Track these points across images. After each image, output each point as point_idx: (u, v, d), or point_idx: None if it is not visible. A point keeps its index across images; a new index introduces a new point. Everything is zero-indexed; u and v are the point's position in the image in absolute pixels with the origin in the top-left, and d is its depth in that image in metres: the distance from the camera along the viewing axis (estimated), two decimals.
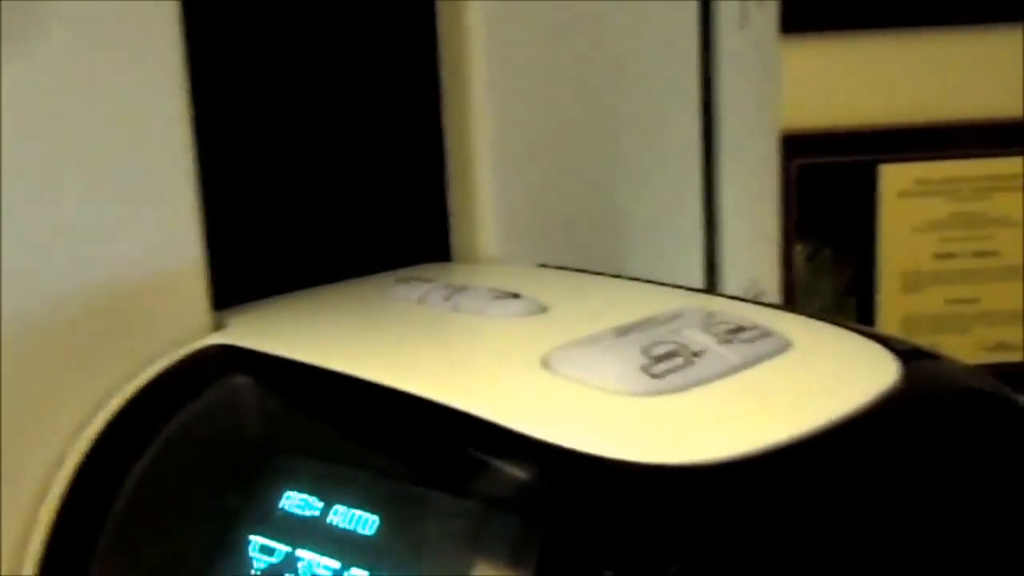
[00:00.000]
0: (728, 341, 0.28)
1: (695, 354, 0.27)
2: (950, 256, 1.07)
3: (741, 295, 0.46)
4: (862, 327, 0.31)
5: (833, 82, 1.04)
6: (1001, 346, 1.05)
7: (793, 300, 1.04)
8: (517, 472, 0.25)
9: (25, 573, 0.28)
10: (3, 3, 0.27)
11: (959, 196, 1.05)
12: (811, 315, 0.32)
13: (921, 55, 1.02)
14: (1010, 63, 1.01)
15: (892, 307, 1.07)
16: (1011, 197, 1.06)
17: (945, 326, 1.06)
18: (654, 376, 0.26)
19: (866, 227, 1.07)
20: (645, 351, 0.27)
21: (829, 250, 1.08)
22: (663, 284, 0.34)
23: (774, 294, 0.49)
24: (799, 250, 1.07)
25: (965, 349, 1.05)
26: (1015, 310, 1.06)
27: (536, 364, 0.27)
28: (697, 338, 0.28)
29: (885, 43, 1.03)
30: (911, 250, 1.07)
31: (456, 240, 0.38)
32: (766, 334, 0.29)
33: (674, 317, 0.29)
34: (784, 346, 0.29)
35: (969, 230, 1.06)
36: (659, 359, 0.27)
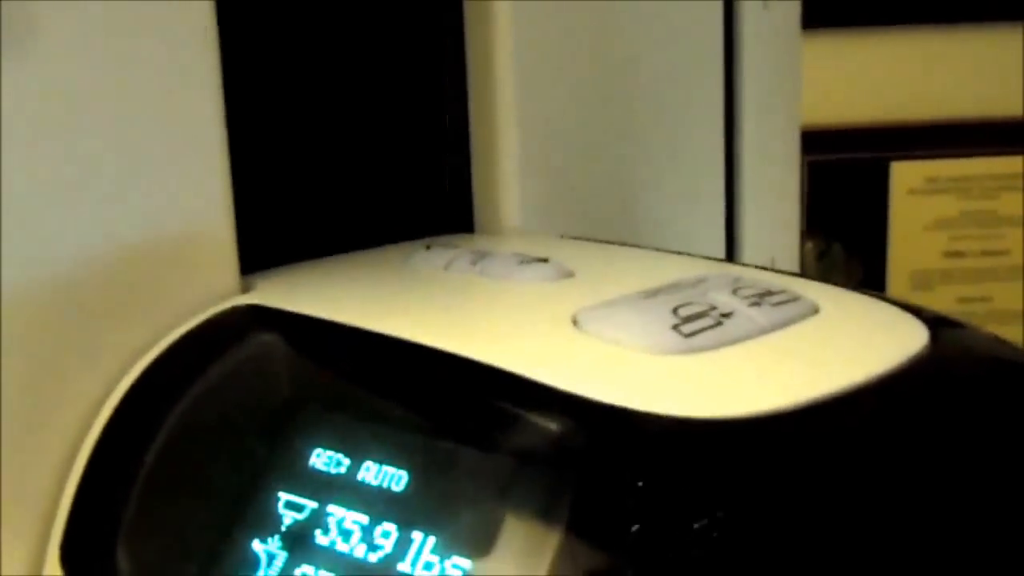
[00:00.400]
0: (756, 304, 0.28)
1: (724, 315, 0.27)
2: (960, 255, 1.06)
3: None
4: (890, 296, 0.31)
5: (844, 79, 1.04)
6: None
7: None
8: (547, 426, 0.25)
9: (57, 526, 0.28)
10: None
11: (969, 194, 1.05)
12: (837, 284, 0.32)
13: (933, 52, 1.02)
14: (1021, 61, 1.01)
15: None
16: (1021, 196, 1.05)
17: None
18: (685, 335, 0.26)
19: (876, 225, 1.07)
20: (674, 311, 0.27)
21: (839, 247, 1.08)
22: (688, 254, 0.34)
23: None
24: (809, 247, 1.07)
25: None
26: None
27: (566, 323, 0.27)
28: (726, 300, 0.28)
29: (897, 40, 1.03)
30: (921, 248, 1.07)
31: (479, 212, 0.38)
32: (794, 298, 0.29)
33: (701, 280, 0.29)
34: (812, 310, 0.28)
35: (979, 229, 1.06)
36: (688, 319, 0.27)
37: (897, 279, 1.07)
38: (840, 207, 1.05)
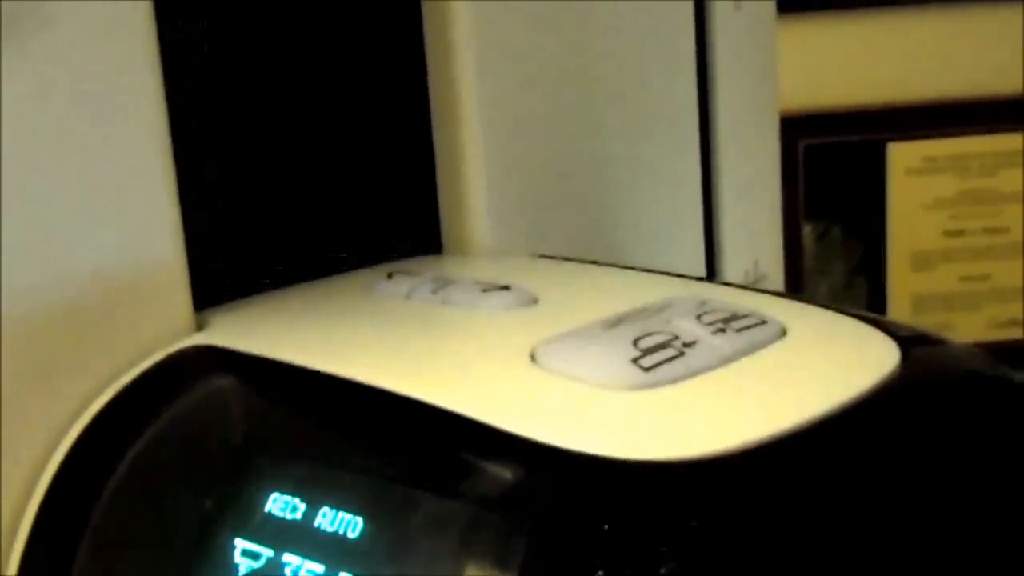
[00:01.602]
0: (721, 330, 0.27)
1: (686, 344, 0.27)
2: (959, 233, 1.06)
3: (743, 279, 0.46)
4: (861, 312, 0.30)
5: (839, 60, 1.03)
6: (1013, 322, 1.05)
7: (802, 281, 1.04)
8: (504, 471, 0.24)
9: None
10: None
11: (968, 173, 1.05)
12: (808, 301, 0.31)
13: (928, 31, 1.01)
14: (1017, 38, 1.00)
15: (902, 286, 1.07)
16: (1020, 173, 1.05)
17: (956, 304, 1.06)
18: (644, 369, 0.26)
19: (875, 206, 1.06)
20: (635, 343, 0.26)
21: (838, 230, 1.07)
22: (657, 272, 0.34)
23: (778, 276, 0.49)
24: (808, 230, 1.06)
25: (976, 326, 1.05)
26: None
27: (524, 359, 0.27)
28: (689, 328, 0.27)
29: (891, 20, 1.02)
30: (920, 228, 1.06)
31: (448, 232, 0.37)
32: (760, 322, 0.28)
33: (665, 307, 0.28)
34: (779, 334, 0.28)
35: (978, 207, 1.05)
36: (649, 351, 0.26)
37: (897, 259, 1.07)
38: (838, 189, 1.05)
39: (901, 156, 1.04)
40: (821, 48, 1.01)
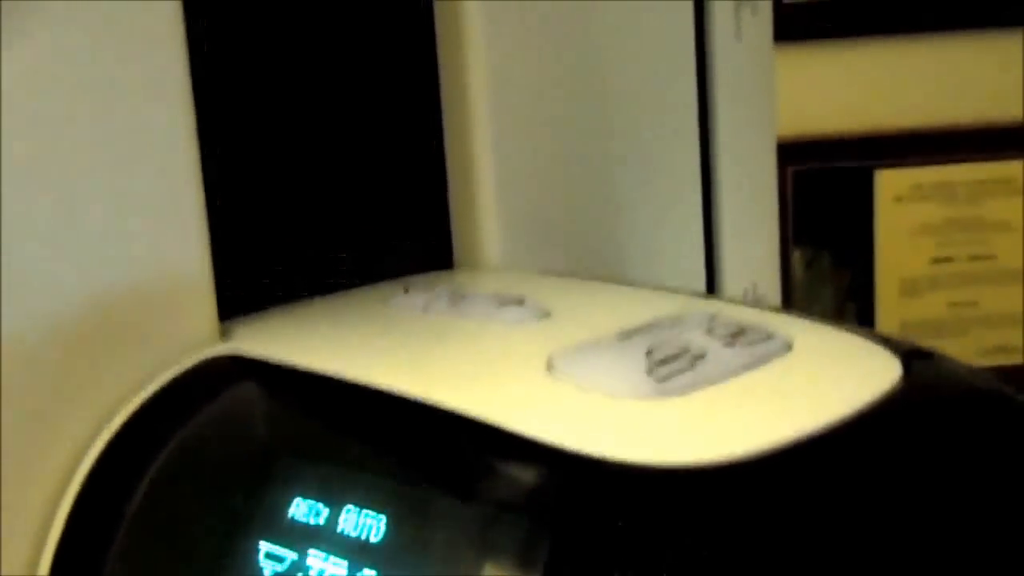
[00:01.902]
0: (730, 344, 0.28)
1: (698, 357, 0.27)
2: (947, 260, 1.07)
3: (741, 298, 0.47)
4: (863, 329, 0.31)
5: (828, 88, 1.04)
6: (1000, 349, 1.06)
7: (792, 307, 1.04)
8: (523, 476, 0.25)
9: None
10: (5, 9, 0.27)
11: (955, 200, 1.06)
12: (812, 317, 0.32)
13: (915, 60, 1.03)
14: (1004, 67, 1.01)
15: (891, 312, 1.08)
16: (1006, 201, 1.06)
17: (944, 330, 1.07)
18: (658, 379, 0.26)
19: (863, 233, 1.08)
20: (648, 354, 0.27)
21: (827, 256, 1.08)
22: (665, 289, 0.35)
23: (775, 299, 0.50)
24: (797, 257, 1.07)
25: (964, 352, 1.06)
26: (1013, 313, 1.06)
27: (541, 369, 0.28)
28: (700, 341, 0.28)
29: (879, 49, 1.03)
30: (908, 255, 1.07)
31: (459, 247, 0.38)
32: (768, 336, 0.29)
33: (677, 321, 0.29)
34: (786, 348, 0.29)
35: (965, 234, 1.06)
36: (662, 362, 0.27)
37: (885, 286, 1.08)
38: (827, 216, 1.06)
39: (889, 183, 1.05)
40: (810, 76, 1.02)
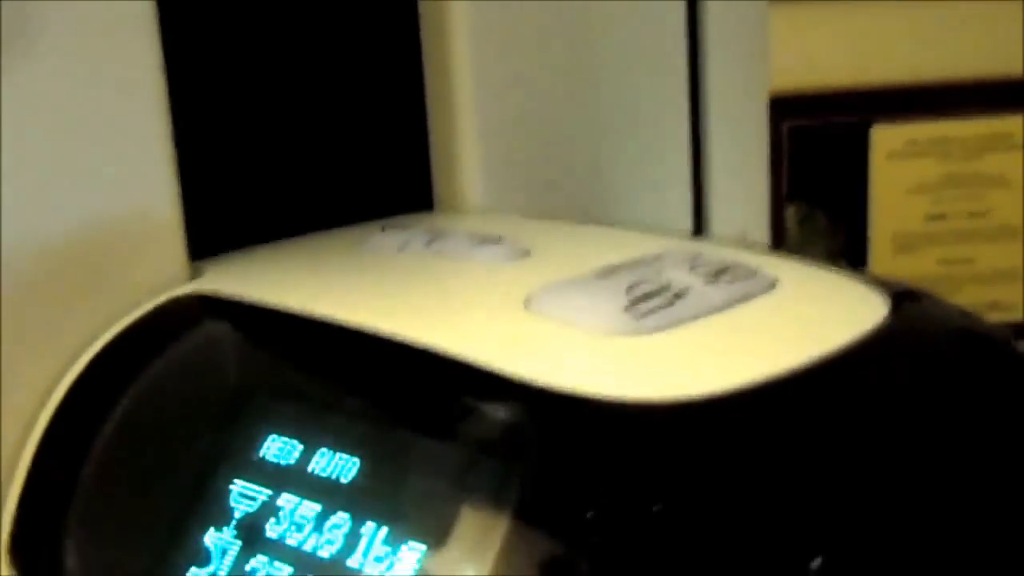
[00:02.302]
0: (712, 281, 0.28)
1: (678, 294, 0.27)
2: (942, 217, 1.06)
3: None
4: (852, 269, 0.31)
5: (823, 43, 1.03)
6: (995, 306, 1.05)
7: None
8: (498, 413, 0.24)
9: (4, 523, 0.28)
10: None
11: (951, 156, 1.05)
12: (799, 258, 0.31)
13: (913, 14, 1.02)
14: (1002, 22, 1.00)
15: (884, 269, 1.07)
16: (1003, 157, 1.05)
17: (938, 287, 1.06)
18: (636, 316, 0.26)
19: (858, 189, 1.07)
20: (627, 291, 0.27)
21: (821, 213, 1.07)
22: (649, 231, 0.34)
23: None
24: (791, 213, 1.07)
25: None
26: (1008, 269, 1.06)
27: (519, 306, 0.27)
28: (680, 278, 0.27)
29: (876, 3, 1.02)
30: (903, 211, 1.07)
31: (439, 190, 0.37)
32: (751, 274, 0.28)
33: (657, 258, 0.29)
34: (769, 286, 0.28)
35: (961, 190, 1.05)
36: (641, 299, 0.26)
37: (880, 243, 1.07)
38: (821, 172, 1.05)
39: (884, 139, 1.05)
40: (806, 30, 1.01)
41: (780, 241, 1.03)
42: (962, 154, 1.03)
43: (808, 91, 1.01)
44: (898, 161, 1.04)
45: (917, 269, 1.07)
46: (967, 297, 1.04)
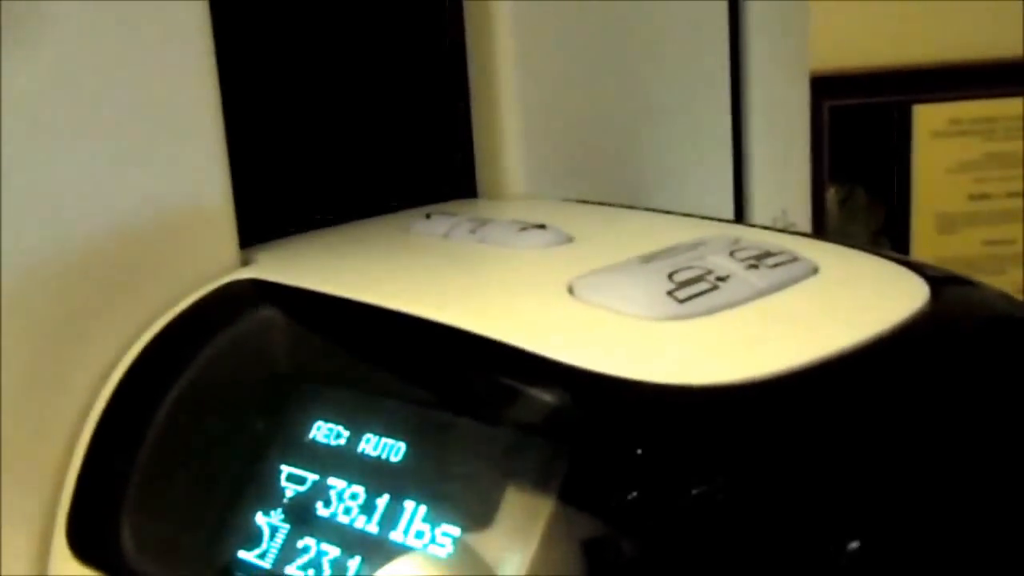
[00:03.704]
0: (754, 266, 0.28)
1: (720, 279, 0.27)
2: (985, 197, 1.05)
3: (771, 225, 0.46)
4: (893, 254, 0.31)
5: (865, 22, 1.02)
6: None
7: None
8: (544, 397, 0.25)
9: (63, 501, 0.29)
10: None
11: (994, 136, 1.04)
12: (840, 242, 0.31)
13: None
14: None
15: (926, 249, 1.06)
16: None
17: (980, 267, 1.05)
18: (679, 301, 0.26)
19: (900, 169, 1.06)
20: (670, 277, 0.27)
21: (862, 193, 1.07)
22: (690, 215, 0.34)
23: (805, 226, 0.49)
24: (832, 193, 1.06)
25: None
26: None
27: (562, 292, 0.27)
28: (722, 263, 0.28)
29: None
30: (945, 191, 1.06)
31: (482, 177, 0.38)
32: (792, 259, 0.28)
33: (699, 244, 0.29)
34: (811, 271, 0.28)
35: (1004, 170, 1.05)
36: (684, 284, 0.27)
37: (921, 223, 1.06)
38: (863, 152, 1.04)
39: (926, 118, 1.04)
40: (847, 9, 1.00)
41: (821, 222, 1.02)
42: (1005, 133, 1.02)
43: (849, 71, 1.00)
44: (940, 140, 1.03)
45: (959, 249, 1.06)
46: (1010, 277, 1.04)
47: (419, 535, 0.24)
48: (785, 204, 0.47)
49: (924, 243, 1.05)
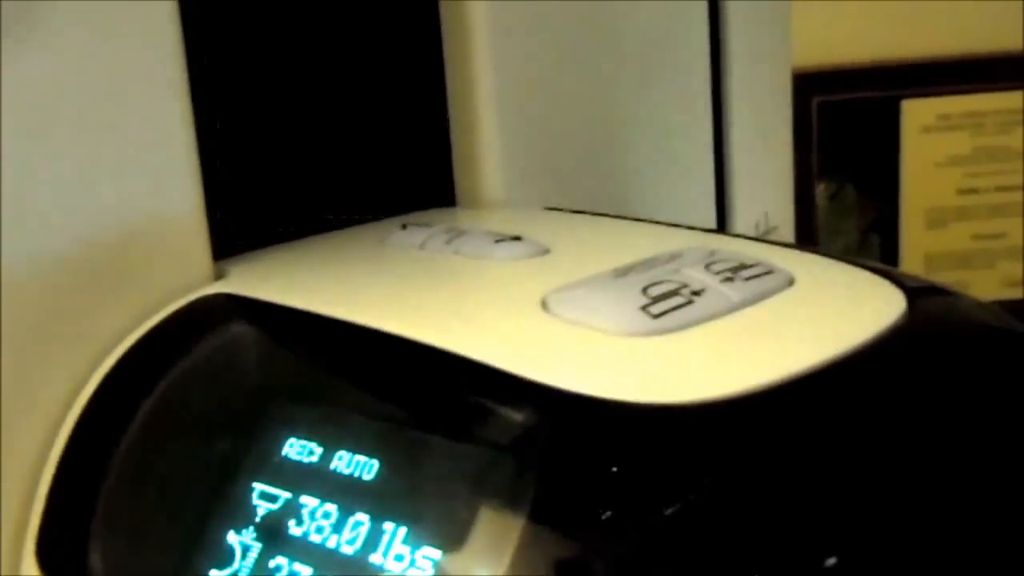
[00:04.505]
0: (729, 279, 0.28)
1: (695, 293, 0.27)
2: (973, 191, 1.05)
3: (753, 230, 0.46)
4: (871, 263, 0.30)
5: (853, 17, 1.02)
6: None
7: (815, 240, 1.04)
8: (516, 415, 0.25)
9: (32, 524, 0.28)
10: None
11: (983, 130, 1.04)
12: (818, 252, 0.31)
13: None
14: None
15: (916, 244, 1.07)
16: None
17: (970, 262, 1.06)
18: (653, 316, 0.26)
19: (889, 164, 1.06)
20: (644, 291, 0.27)
21: (852, 188, 1.07)
22: (668, 224, 0.34)
23: (788, 228, 0.49)
24: (821, 189, 1.06)
25: (991, 285, 1.04)
26: None
27: (535, 307, 0.27)
28: (698, 277, 0.28)
29: None
30: (934, 186, 1.06)
31: (460, 184, 0.38)
32: (768, 271, 0.28)
33: (674, 257, 0.29)
34: (787, 283, 0.28)
35: (992, 164, 1.05)
36: (659, 299, 0.27)
37: (911, 218, 1.06)
38: (852, 147, 1.04)
39: (915, 113, 1.04)
40: (835, 5, 1.00)
41: (810, 218, 1.02)
42: (994, 128, 1.02)
43: (838, 67, 1.00)
44: (929, 135, 1.03)
45: (949, 244, 1.07)
46: (999, 272, 1.04)
47: (397, 557, 0.24)
48: (768, 206, 0.47)
49: (914, 238, 1.05)
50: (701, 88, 0.44)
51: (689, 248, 0.29)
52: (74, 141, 0.29)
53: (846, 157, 1.07)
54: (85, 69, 0.28)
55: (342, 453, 0.25)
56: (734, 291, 0.27)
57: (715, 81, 0.45)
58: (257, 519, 0.26)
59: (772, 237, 0.46)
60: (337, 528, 0.25)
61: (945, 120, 1.05)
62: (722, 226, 0.45)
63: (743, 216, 0.46)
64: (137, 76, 0.29)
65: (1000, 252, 1.06)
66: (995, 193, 1.06)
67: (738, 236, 0.33)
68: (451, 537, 0.23)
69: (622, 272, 0.28)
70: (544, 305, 0.27)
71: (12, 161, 0.28)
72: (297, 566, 0.25)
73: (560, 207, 0.37)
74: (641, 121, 0.42)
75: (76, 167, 0.29)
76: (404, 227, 0.33)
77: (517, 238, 0.31)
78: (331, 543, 0.25)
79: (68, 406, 0.29)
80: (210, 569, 0.26)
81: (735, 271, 0.28)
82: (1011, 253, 1.06)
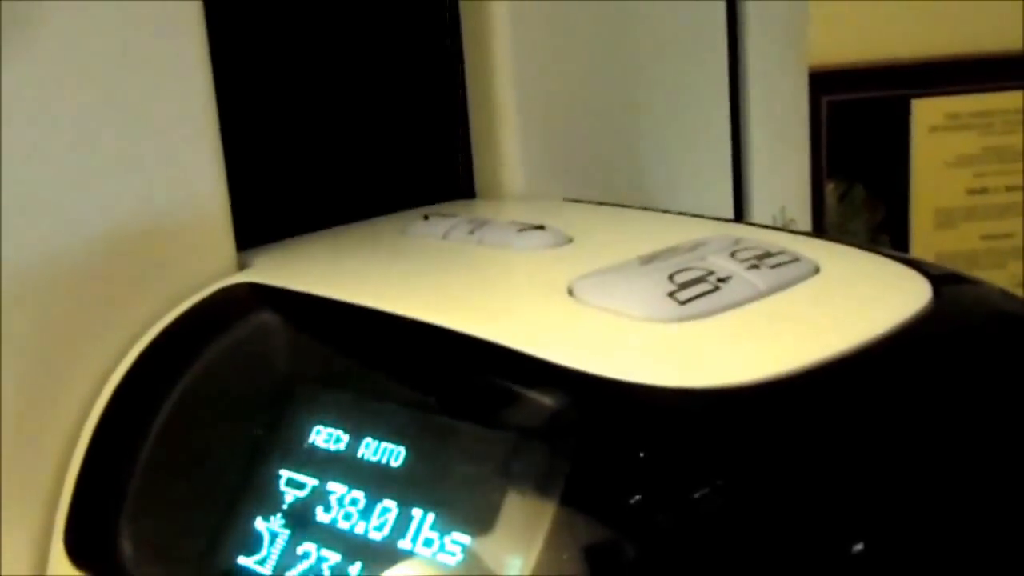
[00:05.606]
0: (755, 267, 0.28)
1: (721, 280, 0.27)
2: (983, 191, 1.05)
3: (770, 224, 0.46)
4: (894, 252, 0.30)
5: (863, 17, 1.02)
6: None
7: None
8: (544, 400, 0.25)
9: (60, 514, 0.29)
10: None
11: (992, 130, 1.04)
12: (842, 241, 0.31)
13: None
14: None
15: (925, 244, 1.06)
16: None
17: (979, 262, 1.05)
18: (681, 302, 0.26)
19: (898, 164, 1.06)
20: (671, 278, 0.27)
21: (861, 188, 1.07)
22: (689, 215, 0.34)
23: (805, 222, 0.49)
24: (831, 189, 1.06)
25: (1000, 284, 1.04)
26: None
27: (562, 293, 0.27)
28: (723, 264, 0.28)
29: None
30: (944, 186, 1.06)
31: (480, 177, 0.38)
32: (794, 259, 0.28)
33: (699, 244, 0.29)
34: (812, 270, 0.28)
35: (1002, 164, 1.04)
36: (685, 285, 0.27)
37: (920, 218, 1.06)
38: (861, 147, 1.04)
39: (925, 113, 1.04)
40: (846, 4, 1.00)
41: (820, 217, 1.02)
42: (1003, 127, 1.02)
43: (848, 66, 1.00)
44: (939, 135, 1.03)
45: (958, 244, 1.06)
46: (1009, 272, 1.04)
47: (426, 542, 0.24)
48: (785, 200, 0.47)
49: (923, 237, 1.05)
50: (719, 83, 0.44)
51: (714, 236, 0.29)
52: (99, 134, 0.29)
53: (856, 156, 1.07)
54: (113, 64, 0.29)
55: (369, 440, 0.25)
56: (760, 278, 0.27)
57: (733, 77, 0.45)
58: (285, 506, 0.26)
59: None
60: (365, 514, 0.25)
61: (955, 120, 1.05)
62: (740, 219, 0.45)
63: (760, 210, 0.46)
64: (163, 71, 0.29)
65: (1009, 252, 1.06)
66: (1005, 193, 1.06)
67: (761, 226, 0.33)
68: (481, 522, 0.23)
69: (647, 259, 0.28)
70: (571, 292, 0.27)
71: (39, 155, 0.28)
72: (325, 552, 0.25)
73: (579, 199, 0.37)
74: (659, 116, 0.42)
75: (102, 160, 0.29)
76: (426, 218, 0.33)
77: (540, 227, 0.31)
78: (359, 529, 0.25)
79: (96, 394, 0.29)
80: (239, 555, 0.26)
81: (760, 259, 0.28)
82: (1020, 253, 1.06)
